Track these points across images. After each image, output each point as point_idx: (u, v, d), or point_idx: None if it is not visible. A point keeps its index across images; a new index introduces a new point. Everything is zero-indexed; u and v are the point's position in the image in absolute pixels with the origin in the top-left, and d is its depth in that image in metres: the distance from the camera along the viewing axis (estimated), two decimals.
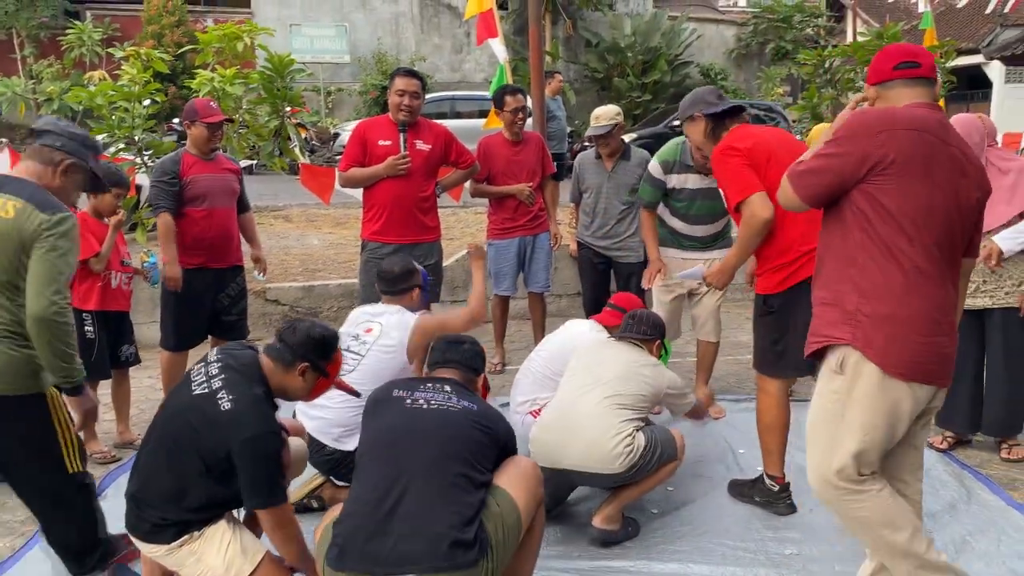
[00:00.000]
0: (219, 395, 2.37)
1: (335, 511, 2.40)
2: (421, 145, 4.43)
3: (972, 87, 21.92)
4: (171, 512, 2.40)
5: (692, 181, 4.28)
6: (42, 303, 2.47)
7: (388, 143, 4.38)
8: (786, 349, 3.18)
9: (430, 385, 2.54)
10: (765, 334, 3.26)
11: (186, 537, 2.41)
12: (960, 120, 3.68)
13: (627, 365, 3.22)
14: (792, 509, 3.32)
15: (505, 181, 5.01)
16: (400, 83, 4.36)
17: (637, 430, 3.05)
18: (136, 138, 6.03)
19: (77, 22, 17.28)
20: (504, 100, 4.97)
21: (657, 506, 3.39)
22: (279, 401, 2.56)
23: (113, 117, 6.00)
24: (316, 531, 2.44)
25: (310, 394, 2.62)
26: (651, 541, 3.11)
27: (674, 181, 4.29)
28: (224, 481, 2.39)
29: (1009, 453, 3.79)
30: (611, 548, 3.05)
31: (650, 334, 3.42)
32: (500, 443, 2.48)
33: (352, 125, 16.11)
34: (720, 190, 3.38)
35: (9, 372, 2.55)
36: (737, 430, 4.16)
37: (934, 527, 3.13)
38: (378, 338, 3.37)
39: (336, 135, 15.52)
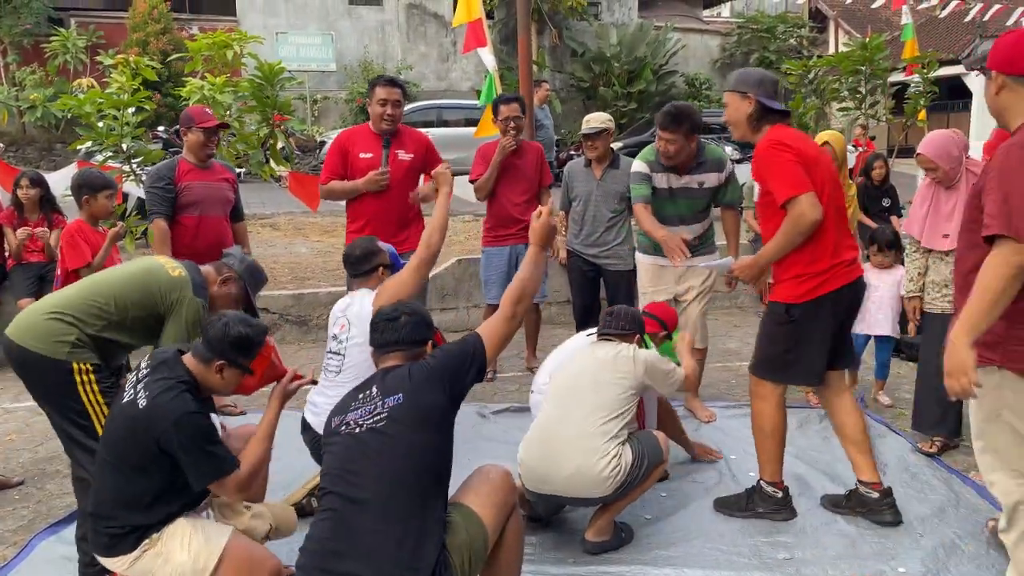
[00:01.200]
0: (138, 396, 2.42)
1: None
2: (403, 155, 4.45)
3: (953, 97, 22.19)
4: (126, 519, 2.40)
5: (670, 180, 4.29)
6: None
7: (369, 155, 4.38)
8: (798, 359, 3.14)
9: (361, 396, 2.41)
10: (778, 342, 3.19)
11: (147, 542, 2.41)
12: (939, 136, 3.77)
13: (601, 366, 3.12)
14: (794, 515, 3.29)
15: (504, 186, 5.01)
16: (381, 92, 4.35)
17: (623, 444, 2.99)
18: (124, 146, 6.00)
19: (61, 29, 17.16)
20: (498, 109, 5.00)
21: (651, 512, 3.40)
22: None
23: (101, 125, 5.99)
24: None
25: (238, 389, 2.62)
26: (645, 546, 3.12)
27: (656, 179, 4.31)
28: (170, 477, 2.40)
29: None
30: (606, 554, 3.06)
31: (628, 328, 3.32)
32: (444, 402, 2.34)
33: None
34: (756, 183, 3.29)
35: (41, 334, 2.80)
36: (728, 436, 4.20)
37: (923, 530, 3.18)
38: (349, 334, 3.33)
39: (322, 143, 15.51)
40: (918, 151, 3.80)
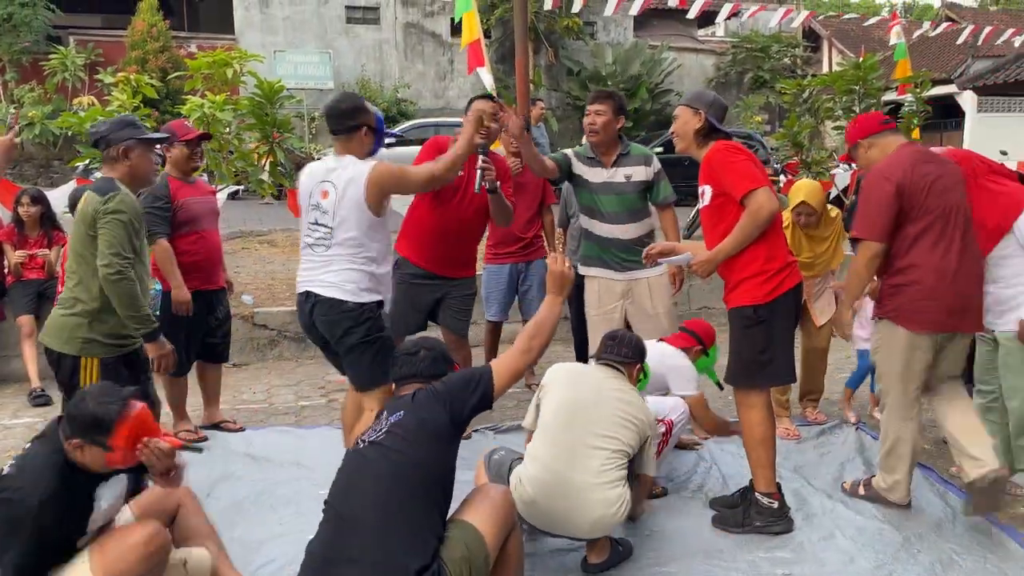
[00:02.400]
0: (9, 465, 2.38)
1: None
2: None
3: (945, 116, 22.38)
4: None
5: (596, 175, 4.22)
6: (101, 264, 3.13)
7: (460, 173, 3.87)
8: (772, 358, 3.25)
9: (378, 416, 2.54)
10: (751, 345, 3.26)
11: None
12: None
13: (617, 409, 3.02)
14: (791, 525, 3.29)
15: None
16: (480, 105, 4.05)
17: (626, 485, 2.98)
18: None
19: (60, 47, 17.24)
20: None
21: (649, 528, 3.41)
22: None
23: None
24: None
25: (106, 466, 2.44)
26: (644, 563, 3.13)
27: (579, 167, 4.25)
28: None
29: None
30: (607, 572, 3.06)
31: (631, 357, 3.25)
32: (445, 422, 2.41)
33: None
34: (706, 186, 3.31)
35: (53, 329, 3.22)
36: (725, 453, 4.20)
37: (920, 546, 3.20)
38: (338, 203, 3.28)
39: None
40: None
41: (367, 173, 3.26)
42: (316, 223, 3.38)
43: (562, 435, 2.96)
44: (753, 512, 3.31)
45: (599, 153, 4.22)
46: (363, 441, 2.44)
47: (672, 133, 3.50)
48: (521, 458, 3.06)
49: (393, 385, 2.71)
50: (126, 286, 3.15)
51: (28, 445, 2.46)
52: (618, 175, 4.20)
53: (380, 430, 2.42)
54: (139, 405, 2.48)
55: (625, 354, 3.26)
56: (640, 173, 4.22)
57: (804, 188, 4.44)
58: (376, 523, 2.23)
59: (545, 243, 5.34)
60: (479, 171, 3.82)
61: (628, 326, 4.24)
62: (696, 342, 3.95)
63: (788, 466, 4.00)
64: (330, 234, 3.33)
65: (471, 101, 4.61)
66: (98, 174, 6.81)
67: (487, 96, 4.66)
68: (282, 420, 4.94)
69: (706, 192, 3.31)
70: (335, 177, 3.32)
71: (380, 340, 3.42)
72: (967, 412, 3.40)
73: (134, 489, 2.68)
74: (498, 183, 4.01)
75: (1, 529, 2.31)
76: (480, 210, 4.17)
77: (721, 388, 4.06)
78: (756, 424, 3.31)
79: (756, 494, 3.32)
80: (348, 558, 2.21)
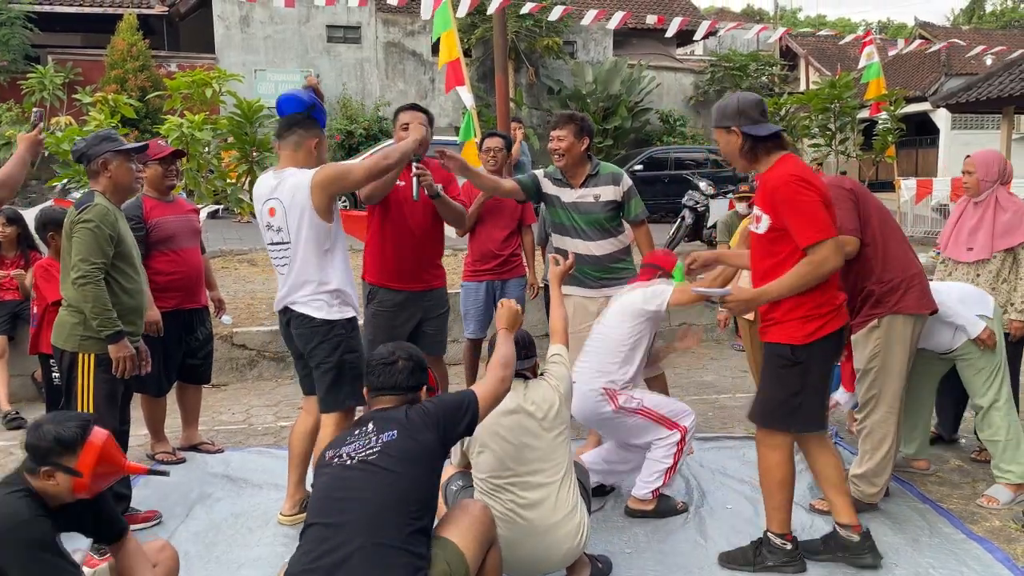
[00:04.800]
0: None
1: (286, 564, 2.37)
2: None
3: (920, 134, 22.71)
4: None
5: (565, 195, 4.26)
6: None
7: (402, 184, 4.05)
8: (804, 403, 3.03)
9: (357, 432, 2.47)
10: (783, 386, 3.05)
11: None
12: (992, 153, 4.37)
13: (543, 434, 2.92)
14: (804, 568, 3.13)
15: (486, 222, 5.07)
16: (406, 117, 4.07)
17: (581, 506, 2.96)
18: None
19: (38, 66, 17.15)
20: (483, 143, 5.17)
21: (630, 545, 3.42)
22: None
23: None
24: None
25: (73, 494, 2.39)
26: None
27: (548, 187, 4.32)
28: None
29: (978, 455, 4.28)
30: None
31: (528, 356, 3.09)
32: (435, 444, 2.41)
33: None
34: (764, 215, 3.04)
35: (56, 327, 3.48)
36: (705, 468, 4.23)
37: (897, 560, 3.22)
38: (287, 216, 3.33)
39: None
40: (967, 155, 4.34)
41: (310, 176, 3.31)
42: (273, 243, 3.45)
43: (507, 492, 2.87)
44: (765, 551, 3.16)
45: (567, 175, 4.27)
46: (349, 457, 2.38)
47: (725, 157, 3.40)
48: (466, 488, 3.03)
49: (365, 395, 2.64)
50: (91, 290, 3.33)
51: None
52: (587, 196, 4.24)
53: (371, 448, 2.38)
54: (102, 431, 2.45)
55: (525, 355, 3.08)
56: (609, 193, 4.24)
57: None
58: (364, 542, 2.21)
59: (524, 261, 5.36)
60: (415, 179, 3.88)
61: None
62: (655, 271, 3.95)
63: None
64: (289, 250, 3.38)
65: (483, 140, 4.79)
66: (76, 194, 6.79)
67: (502, 135, 4.85)
68: (261, 441, 4.91)
69: (762, 220, 3.04)
70: (279, 192, 3.36)
71: (346, 364, 3.46)
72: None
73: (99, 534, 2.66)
74: (439, 187, 4.07)
75: (33, 550, 2.28)
76: (430, 214, 4.17)
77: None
78: (776, 466, 3.12)
79: (769, 534, 3.17)
80: (334, 573, 2.18)
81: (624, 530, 3.56)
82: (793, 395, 3.04)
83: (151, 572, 2.66)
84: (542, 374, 3.08)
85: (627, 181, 4.35)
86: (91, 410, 3.31)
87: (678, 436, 3.66)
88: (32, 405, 5.56)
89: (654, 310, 3.72)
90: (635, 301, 3.76)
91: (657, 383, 4.54)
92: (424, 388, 2.65)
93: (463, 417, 2.51)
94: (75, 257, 3.36)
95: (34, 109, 3.85)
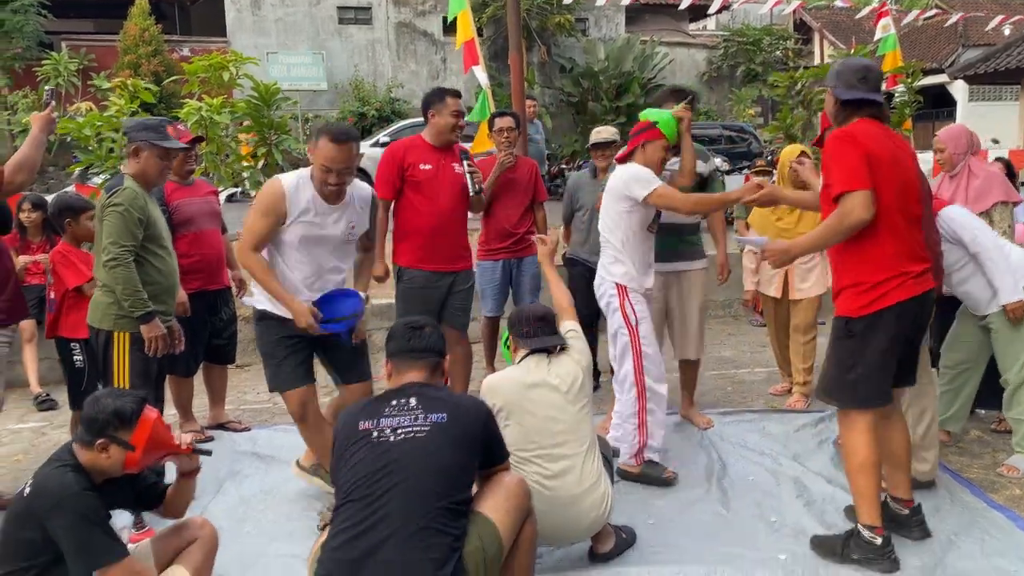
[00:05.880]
0: (24, 489, 2.43)
1: (323, 537, 2.43)
2: (459, 168, 4.40)
3: (937, 106, 22.48)
4: None
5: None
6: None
7: (429, 167, 4.27)
8: (861, 378, 2.96)
9: (395, 404, 2.45)
10: (839, 359, 3.03)
11: None
12: (957, 127, 4.44)
13: (569, 408, 2.97)
14: (896, 567, 2.96)
15: (500, 201, 5.08)
16: (454, 104, 4.31)
17: (605, 475, 3.02)
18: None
19: (52, 52, 17.23)
20: (493, 122, 5.17)
21: (653, 517, 3.47)
22: None
23: (100, 147, 6.05)
24: (310, 555, 2.48)
25: (125, 468, 2.50)
26: (648, 550, 3.18)
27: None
28: (58, 567, 2.37)
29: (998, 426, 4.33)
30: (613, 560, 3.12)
31: (552, 331, 3.12)
32: (480, 438, 2.45)
33: None
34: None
35: (91, 307, 3.56)
36: (725, 441, 4.27)
37: None
38: None
39: None
40: (936, 134, 4.51)
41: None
42: None
43: (544, 455, 2.92)
44: (853, 544, 3.03)
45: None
46: (393, 432, 2.37)
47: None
48: None
49: (389, 362, 2.64)
50: (121, 272, 3.42)
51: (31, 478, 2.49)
52: (675, 164, 4.24)
53: (418, 426, 2.38)
54: (153, 408, 2.56)
55: (550, 331, 3.14)
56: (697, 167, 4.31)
57: (798, 147, 4.63)
58: (403, 524, 2.23)
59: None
60: (468, 175, 4.26)
61: (668, 317, 4.46)
62: (636, 140, 3.87)
63: (787, 454, 4.07)
64: None
65: (492, 119, 5.04)
66: (97, 179, 6.86)
67: (511, 113, 5.22)
68: (286, 419, 4.94)
69: (820, 178, 3.10)
70: None
71: (263, 353, 3.58)
72: None
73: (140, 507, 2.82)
74: (482, 185, 4.48)
75: (81, 520, 2.36)
76: (457, 198, 4.36)
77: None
78: (857, 449, 3.01)
79: (859, 526, 3.03)
80: (374, 552, 2.20)
81: (647, 502, 3.61)
82: (848, 369, 2.98)
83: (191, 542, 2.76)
84: (564, 349, 3.12)
85: (715, 163, 4.46)
86: (123, 381, 3.44)
87: (634, 393, 3.76)
88: (60, 387, 5.66)
89: (631, 196, 3.72)
90: (618, 183, 3.79)
91: (690, 369, 4.59)
92: (447, 357, 2.69)
93: (498, 450, 2.58)
94: (105, 240, 3.45)
95: (46, 88, 3.88)
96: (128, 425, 2.46)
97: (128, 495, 2.66)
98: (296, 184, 3.35)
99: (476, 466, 2.47)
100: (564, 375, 3.00)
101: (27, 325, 5.59)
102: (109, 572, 2.41)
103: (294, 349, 3.47)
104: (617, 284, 3.84)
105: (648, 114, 3.90)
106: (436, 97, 4.36)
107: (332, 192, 3.33)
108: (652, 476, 3.78)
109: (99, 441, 2.44)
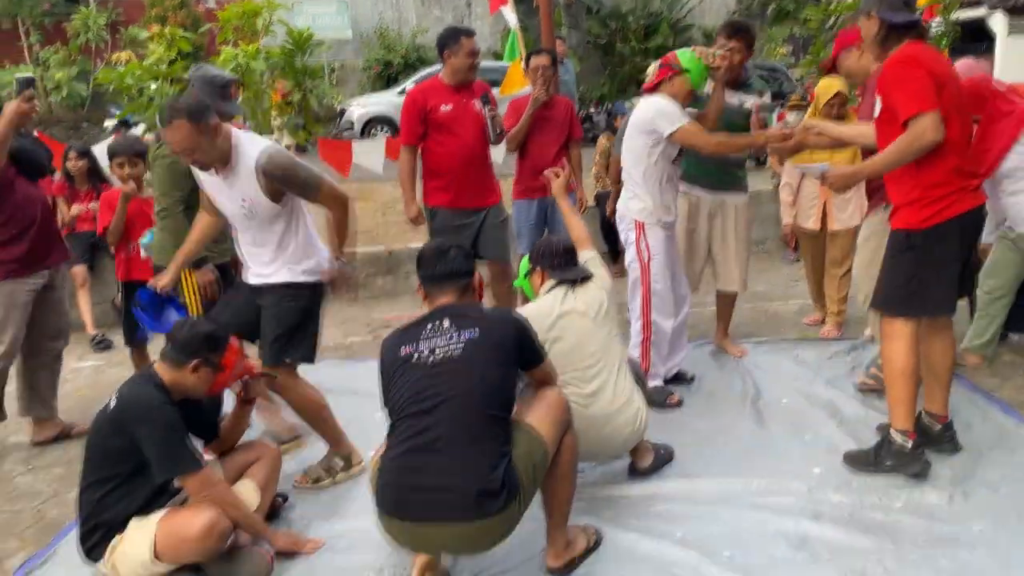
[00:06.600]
0: (109, 403, 2.65)
1: (383, 448, 2.60)
2: (479, 106, 4.53)
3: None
4: (97, 520, 2.64)
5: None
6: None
7: (450, 107, 4.42)
8: (921, 289, 3.04)
9: (430, 327, 2.57)
10: (899, 272, 3.08)
11: (117, 539, 2.64)
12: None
13: (594, 325, 3.06)
14: (927, 467, 3.11)
15: (535, 139, 5.11)
16: (469, 44, 4.45)
17: (637, 391, 3.14)
18: None
19: (81, 7, 17.32)
20: (530, 61, 5.21)
21: (689, 437, 3.61)
22: None
23: (141, 96, 6.18)
24: (371, 464, 2.67)
25: (210, 389, 2.79)
26: (686, 465, 3.34)
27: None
28: (134, 477, 2.62)
29: None
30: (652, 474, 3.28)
31: (573, 263, 3.21)
32: (512, 346, 2.55)
33: (360, 100, 16.22)
34: (878, 97, 3.06)
35: (155, 248, 3.80)
36: (759, 368, 4.38)
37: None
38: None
39: (342, 111, 15.55)
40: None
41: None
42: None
43: (567, 387, 2.99)
44: (884, 452, 3.15)
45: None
46: (431, 352, 2.51)
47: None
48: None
49: (422, 287, 2.74)
50: (170, 222, 3.69)
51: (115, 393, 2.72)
52: (733, 99, 4.29)
53: (453, 345, 2.50)
54: (233, 337, 2.82)
55: (574, 263, 3.23)
56: (750, 103, 4.34)
57: (836, 81, 4.57)
58: (454, 427, 2.39)
59: (572, 177, 5.44)
60: (489, 120, 4.42)
61: (709, 247, 4.50)
62: (668, 70, 3.86)
63: (821, 380, 4.18)
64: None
65: (528, 57, 5.22)
66: (137, 129, 7.00)
67: (547, 51, 5.21)
68: (333, 355, 5.18)
69: (876, 103, 3.08)
70: None
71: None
72: None
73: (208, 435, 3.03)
74: (503, 129, 4.63)
75: (166, 430, 2.58)
76: (480, 135, 4.52)
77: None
78: (894, 356, 3.10)
79: (892, 431, 3.15)
80: (436, 465, 2.37)
81: (684, 425, 3.75)
82: (908, 280, 3.05)
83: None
84: (585, 279, 3.21)
85: (768, 98, 4.47)
86: (199, 309, 3.66)
87: (640, 324, 3.92)
88: (113, 330, 5.89)
89: (656, 131, 3.78)
90: (643, 115, 3.83)
91: (727, 301, 4.67)
92: (477, 274, 2.78)
93: (534, 355, 2.66)
94: (156, 191, 3.67)
95: (16, 76, 3.66)
96: (220, 349, 2.72)
97: (193, 420, 2.85)
98: None
99: (514, 373, 2.60)
100: (590, 301, 3.11)
101: (79, 271, 5.81)
102: (188, 480, 2.62)
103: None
104: (635, 221, 3.94)
105: (683, 58, 3.86)
106: (450, 37, 4.46)
107: (199, 168, 3.16)
108: (657, 400, 3.88)
109: (193, 362, 2.65)
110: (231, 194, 3.14)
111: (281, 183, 3.09)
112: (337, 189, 3.27)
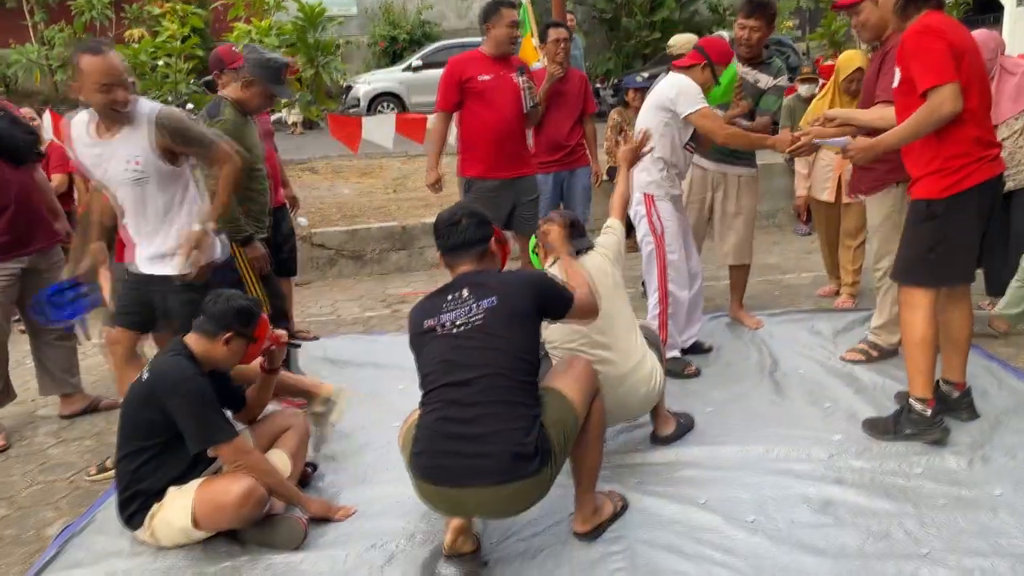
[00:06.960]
0: (141, 376, 2.71)
1: (414, 416, 2.64)
2: (516, 78, 4.55)
3: (984, 12, 21.66)
4: (136, 488, 2.71)
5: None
6: None
7: (488, 77, 4.46)
8: (942, 259, 3.06)
9: (451, 298, 2.59)
10: (919, 241, 3.10)
11: (153, 509, 2.71)
12: (979, 32, 4.09)
13: (605, 291, 3.06)
14: (946, 434, 3.15)
15: (551, 113, 5.14)
16: (509, 15, 4.48)
17: (650, 351, 3.18)
18: (182, 91, 6.23)
19: None
20: (547, 33, 5.22)
21: (709, 405, 3.67)
22: None
23: (156, 73, 6.20)
24: (400, 432, 2.71)
25: (243, 359, 2.87)
26: (706, 433, 3.39)
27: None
28: (169, 446, 2.68)
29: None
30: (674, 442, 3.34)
31: (582, 234, 3.24)
32: (532, 307, 2.56)
33: (366, 76, 16.17)
34: (897, 69, 3.06)
35: None
36: (774, 339, 4.43)
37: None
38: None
39: (348, 87, 15.50)
40: None
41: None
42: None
43: (590, 342, 3.06)
44: (904, 420, 3.19)
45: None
46: (453, 324, 2.55)
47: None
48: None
49: (441, 257, 2.77)
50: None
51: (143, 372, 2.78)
52: (749, 75, 4.38)
53: (474, 315, 2.55)
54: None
55: (580, 235, 3.25)
56: (764, 82, 4.40)
57: (857, 56, 4.57)
58: (488, 401, 2.43)
59: (587, 151, 5.47)
60: (525, 91, 4.43)
61: (710, 217, 4.57)
62: (702, 57, 3.91)
63: (837, 350, 4.21)
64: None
65: (546, 29, 5.25)
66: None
67: (559, 24, 5.33)
68: (351, 329, 5.24)
69: (896, 74, 3.08)
70: None
71: None
72: None
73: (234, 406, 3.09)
74: (537, 99, 4.62)
75: (199, 402, 2.65)
76: (517, 106, 4.53)
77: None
78: (914, 325, 3.12)
79: (911, 399, 3.18)
80: (470, 432, 2.41)
81: (703, 394, 3.80)
82: (928, 250, 3.07)
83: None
84: (591, 248, 3.24)
85: (783, 82, 4.47)
86: (257, 288, 3.74)
87: (657, 297, 3.98)
88: None
89: (673, 109, 3.83)
90: (665, 91, 3.88)
91: (739, 272, 4.71)
92: (492, 239, 2.78)
93: (559, 302, 2.67)
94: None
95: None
96: (252, 322, 2.78)
97: (220, 393, 2.90)
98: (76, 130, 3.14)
99: (538, 333, 2.62)
100: (595, 270, 3.13)
101: (97, 248, 5.83)
102: (221, 449, 2.68)
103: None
104: (644, 194, 3.98)
105: (724, 74, 3.97)
106: (492, 9, 4.49)
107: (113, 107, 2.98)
108: (675, 371, 3.95)
109: (226, 334, 2.70)
110: (118, 158, 3.05)
111: (175, 136, 3.05)
112: (233, 147, 3.27)
